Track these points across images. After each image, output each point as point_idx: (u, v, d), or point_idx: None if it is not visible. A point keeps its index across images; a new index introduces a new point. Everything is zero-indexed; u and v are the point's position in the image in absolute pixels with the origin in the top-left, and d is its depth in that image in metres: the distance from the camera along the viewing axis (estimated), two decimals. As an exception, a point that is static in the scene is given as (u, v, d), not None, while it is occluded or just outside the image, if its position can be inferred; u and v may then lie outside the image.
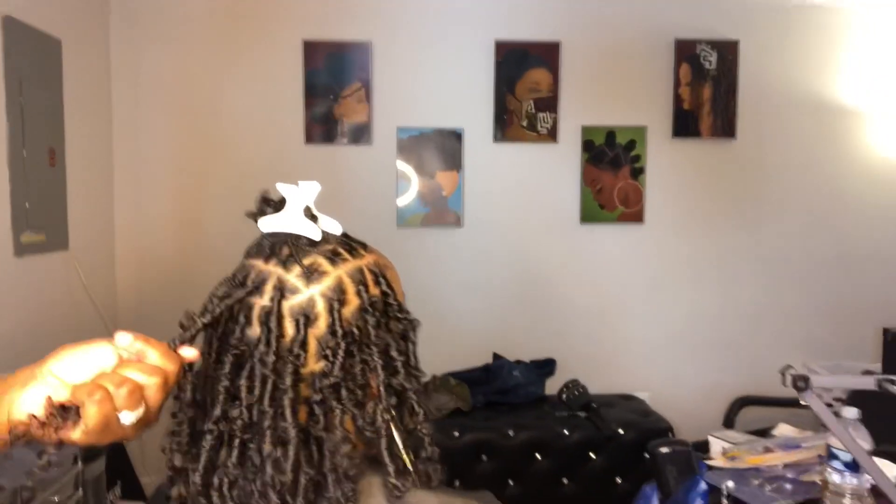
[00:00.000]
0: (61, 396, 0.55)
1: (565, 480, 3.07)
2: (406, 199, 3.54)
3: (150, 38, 3.41)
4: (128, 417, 0.56)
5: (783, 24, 3.58)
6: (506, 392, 3.33)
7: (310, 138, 3.48)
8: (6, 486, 1.71)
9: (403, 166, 3.53)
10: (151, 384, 0.58)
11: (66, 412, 0.54)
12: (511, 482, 3.04)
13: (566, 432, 3.07)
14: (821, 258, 3.66)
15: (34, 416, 0.54)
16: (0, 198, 2.48)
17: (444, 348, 3.46)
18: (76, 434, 0.55)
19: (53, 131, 2.85)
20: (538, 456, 3.06)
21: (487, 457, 3.04)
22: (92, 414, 0.54)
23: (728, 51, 3.57)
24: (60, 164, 2.89)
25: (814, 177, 3.64)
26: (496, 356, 3.51)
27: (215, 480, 0.69)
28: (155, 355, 0.60)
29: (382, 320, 0.74)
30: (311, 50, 3.45)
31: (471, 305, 3.59)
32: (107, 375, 0.56)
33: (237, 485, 0.68)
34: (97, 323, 3.08)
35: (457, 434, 3.05)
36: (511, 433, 3.06)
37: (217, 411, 0.69)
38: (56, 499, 1.99)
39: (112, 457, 2.57)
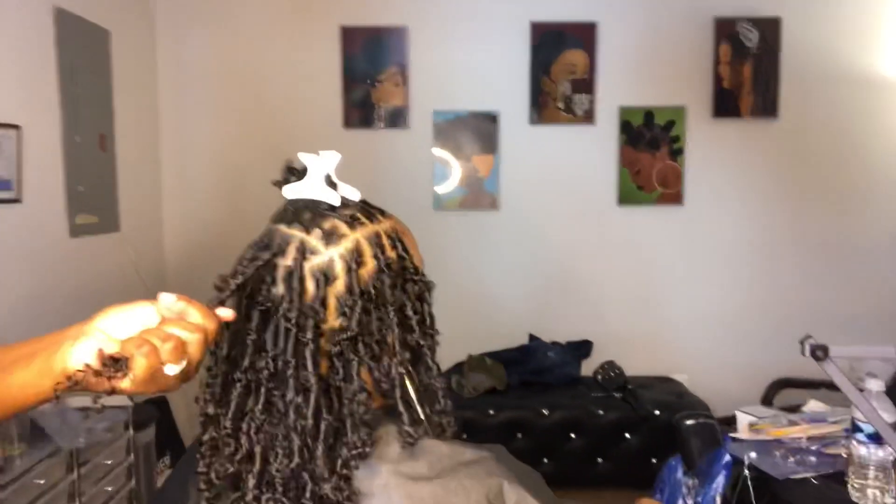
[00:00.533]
0: (111, 350, 0.61)
1: (600, 459, 3.10)
2: (447, 186, 3.57)
3: (193, 27, 3.52)
4: (172, 370, 0.62)
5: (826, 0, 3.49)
6: (541, 372, 3.36)
7: (348, 123, 3.55)
8: (63, 447, 1.83)
9: (440, 153, 3.56)
10: (193, 340, 0.63)
11: (116, 363, 0.60)
12: (546, 460, 3.08)
13: (601, 412, 3.09)
14: (863, 239, 3.57)
15: (89, 366, 0.60)
16: (56, 181, 2.61)
17: (480, 328, 3.50)
18: (125, 383, 0.60)
19: (104, 117, 2.97)
20: (572, 435, 3.08)
21: (522, 435, 3.08)
22: (140, 365, 0.60)
23: (769, 28, 3.49)
24: (110, 149, 3.01)
25: (857, 156, 3.54)
26: (532, 337, 3.53)
27: (244, 425, 0.75)
28: (196, 314, 0.65)
29: (398, 281, 0.79)
30: (349, 35, 3.51)
31: (507, 287, 3.62)
32: (153, 331, 0.62)
33: (263, 429, 0.74)
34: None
35: (492, 412, 3.09)
36: (546, 412, 3.09)
37: (245, 362, 0.76)
38: (109, 462, 2.11)
39: (161, 428, 2.70)
